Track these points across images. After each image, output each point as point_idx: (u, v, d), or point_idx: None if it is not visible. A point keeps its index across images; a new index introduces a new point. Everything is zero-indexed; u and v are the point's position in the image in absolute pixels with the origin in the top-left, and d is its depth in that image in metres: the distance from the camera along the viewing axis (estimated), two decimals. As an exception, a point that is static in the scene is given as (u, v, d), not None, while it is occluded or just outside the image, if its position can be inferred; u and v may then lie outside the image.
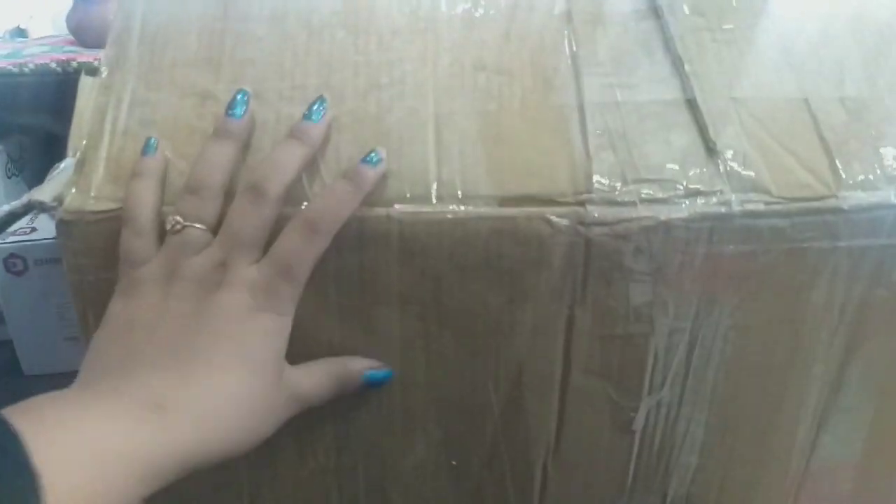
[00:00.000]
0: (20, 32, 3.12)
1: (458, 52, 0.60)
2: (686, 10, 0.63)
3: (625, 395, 0.61)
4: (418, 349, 0.56)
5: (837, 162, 0.59)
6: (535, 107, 0.58)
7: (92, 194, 0.52)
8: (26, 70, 0.94)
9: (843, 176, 0.58)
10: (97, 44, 1.04)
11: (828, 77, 0.62)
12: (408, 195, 0.54)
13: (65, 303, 0.82)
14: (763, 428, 0.65)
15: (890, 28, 0.67)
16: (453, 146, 0.56)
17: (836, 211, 0.57)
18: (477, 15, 0.62)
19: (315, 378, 0.52)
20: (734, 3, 0.65)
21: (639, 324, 0.57)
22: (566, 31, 0.62)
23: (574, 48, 0.61)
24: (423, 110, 0.57)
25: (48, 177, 0.70)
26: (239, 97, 0.54)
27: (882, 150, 0.60)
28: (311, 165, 0.54)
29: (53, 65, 0.95)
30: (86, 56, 0.98)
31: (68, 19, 1.12)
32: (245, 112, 0.54)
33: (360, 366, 0.55)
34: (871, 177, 0.59)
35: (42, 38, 1.20)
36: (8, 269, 0.79)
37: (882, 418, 0.67)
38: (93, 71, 0.56)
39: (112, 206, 0.51)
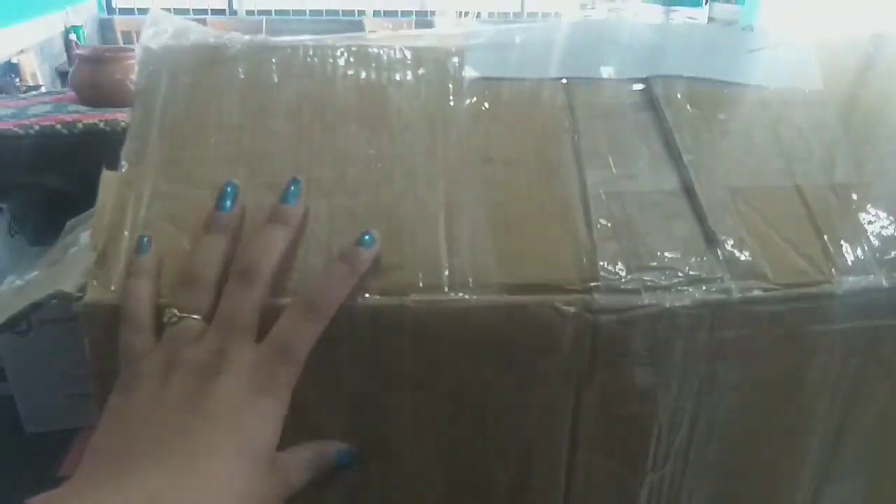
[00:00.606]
0: (11, 67, 3.15)
1: (466, 145, 0.63)
2: (682, 101, 0.67)
3: (630, 472, 0.62)
4: (430, 433, 0.57)
5: (830, 247, 0.61)
6: (541, 197, 0.61)
7: (112, 287, 0.53)
8: (32, 132, 0.96)
9: (837, 261, 0.61)
10: (100, 103, 1.07)
11: (818, 164, 0.65)
12: (421, 284, 0.56)
13: (68, 361, 0.82)
14: (762, 499, 0.67)
15: (875, 113, 0.71)
16: (464, 236, 0.58)
17: (831, 296, 0.60)
18: (483, 108, 0.65)
19: (301, 463, 0.53)
20: (727, 94, 0.68)
21: (643, 404, 0.59)
22: (568, 123, 0.65)
23: (577, 139, 0.64)
24: (434, 202, 0.59)
25: (60, 242, 0.72)
26: (228, 190, 0.56)
27: (872, 235, 0.63)
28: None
29: (59, 126, 0.97)
30: (90, 116, 0.99)
31: (72, 78, 1.15)
32: (234, 205, 0.56)
33: (333, 447, 0.56)
34: (862, 261, 0.61)
35: (43, 93, 1.22)
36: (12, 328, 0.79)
37: (876, 489, 0.69)
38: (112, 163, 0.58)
39: (134, 300, 0.53)
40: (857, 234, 0.62)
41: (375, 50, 0.68)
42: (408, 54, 0.68)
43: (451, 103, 0.65)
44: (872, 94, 0.72)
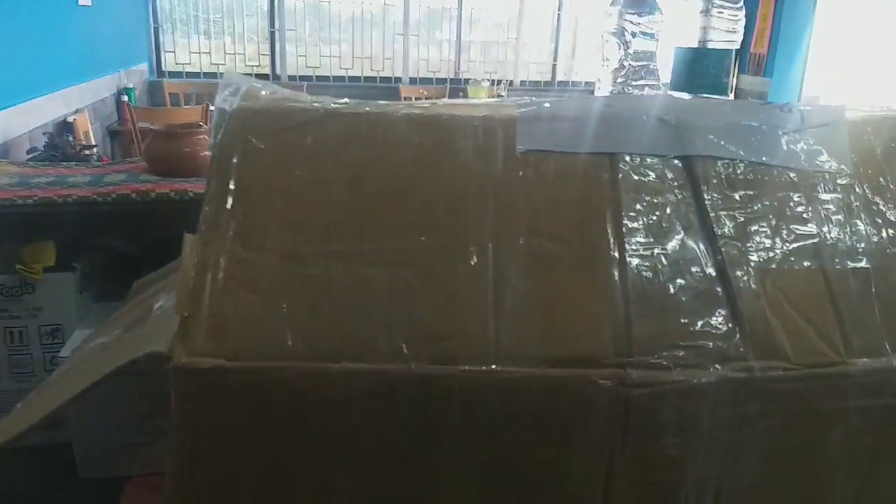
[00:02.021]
0: (67, 126, 3.23)
1: (515, 217, 0.68)
2: (719, 183, 0.71)
3: (657, 532, 0.67)
4: (471, 493, 0.63)
5: (848, 330, 0.66)
6: (582, 272, 0.66)
7: (197, 350, 0.59)
8: (109, 199, 1.03)
9: (853, 343, 0.66)
10: (170, 174, 1.14)
11: (843, 248, 0.70)
12: (469, 353, 0.61)
13: (124, 412, 0.87)
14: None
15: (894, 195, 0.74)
16: (510, 308, 0.63)
17: (846, 376, 0.65)
18: (531, 180, 0.70)
19: None
20: (761, 176, 0.73)
21: (672, 472, 0.64)
22: (611, 198, 0.70)
23: (618, 215, 0.69)
24: (484, 273, 0.65)
25: (132, 301, 0.78)
26: None
27: (886, 320, 0.67)
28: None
29: (133, 195, 1.04)
30: (162, 186, 1.07)
31: (146, 151, 1.21)
32: None
33: None
34: (876, 344, 0.66)
35: (116, 163, 1.30)
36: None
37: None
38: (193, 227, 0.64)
39: (214, 362, 0.58)
40: (872, 319, 0.67)
41: (433, 121, 0.72)
42: (463, 125, 0.72)
43: (501, 175, 0.70)
44: (892, 177, 0.76)
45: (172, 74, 5.30)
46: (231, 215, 0.66)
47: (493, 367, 0.61)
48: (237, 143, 0.69)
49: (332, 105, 0.73)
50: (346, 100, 0.75)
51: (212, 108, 2.00)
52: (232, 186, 0.67)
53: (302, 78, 5.47)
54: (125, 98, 4.20)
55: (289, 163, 0.69)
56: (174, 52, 5.36)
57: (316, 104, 0.73)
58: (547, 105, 0.75)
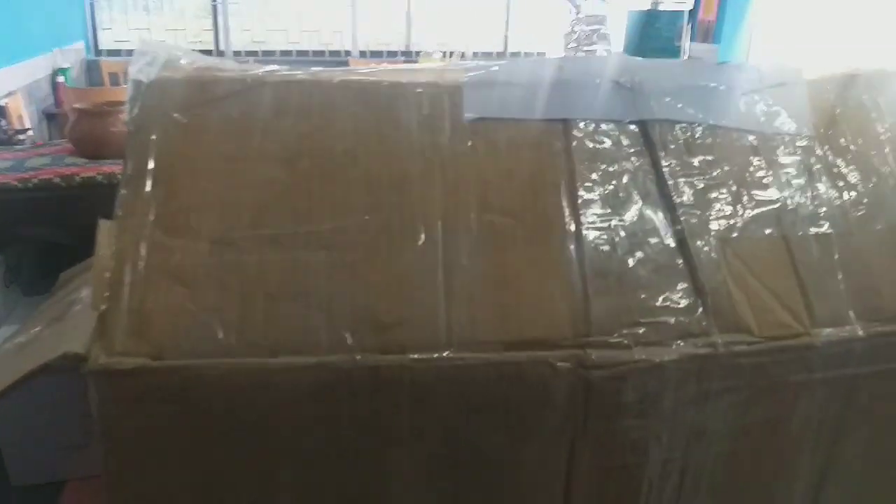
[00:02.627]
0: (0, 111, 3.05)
1: (464, 192, 0.63)
2: (677, 148, 0.67)
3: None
4: (426, 488, 0.59)
5: (812, 299, 0.64)
6: (537, 249, 0.62)
7: (117, 349, 0.53)
8: (30, 185, 0.95)
9: (817, 313, 0.63)
10: (98, 155, 1.06)
11: (804, 214, 0.67)
12: (420, 341, 0.57)
13: (58, 414, 0.81)
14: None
15: (869, 163, 0.72)
16: (461, 291, 0.59)
17: (810, 347, 0.62)
18: (481, 152, 0.65)
19: None
20: (720, 140, 0.69)
21: (635, 455, 0.61)
22: (565, 169, 0.65)
23: (573, 186, 0.65)
24: (433, 254, 0.60)
25: (56, 294, 0.71)
26: None
27: (849, 286, 0.65)
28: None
29: (57, 179, 0.96)
30: (88, 169, 0.99)
31: (70, 131, 1.12)
32: None
33: None
34: (840, 312, 0.64)
35: (40, 146, 1.21)
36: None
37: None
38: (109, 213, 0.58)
39: (137, 362, 0.53)
40: (835, 286, 0.65)
41: (373, 88, 0.67)
42: (406, 93, 0.67)
43: (449, 146, 0.65)
44: (852, 137, 0.73)
45: (111, 53, 5.07)
46: (151, 198, 0.60)
47: (446, 354, 0.57)
48: (155, 119, 0.63)
49: (260, 73, 0.67)
50: (274, 66, 0.69)
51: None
52: (151, 166, 0.61)
53: (248, 53, 5.31)
54: (60, 79, 3.99)
55: (214, 138, 0.63)
56: (111, 28, 5.11)
57: (243, 72, 0.67)
58: (495, 69, 0.70)
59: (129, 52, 0.65)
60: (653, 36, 4.23)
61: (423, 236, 0.61)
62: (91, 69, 4.90)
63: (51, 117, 4.00)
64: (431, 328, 0.57)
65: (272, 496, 0.58)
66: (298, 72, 0.68)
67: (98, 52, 5.07)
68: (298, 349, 0.55)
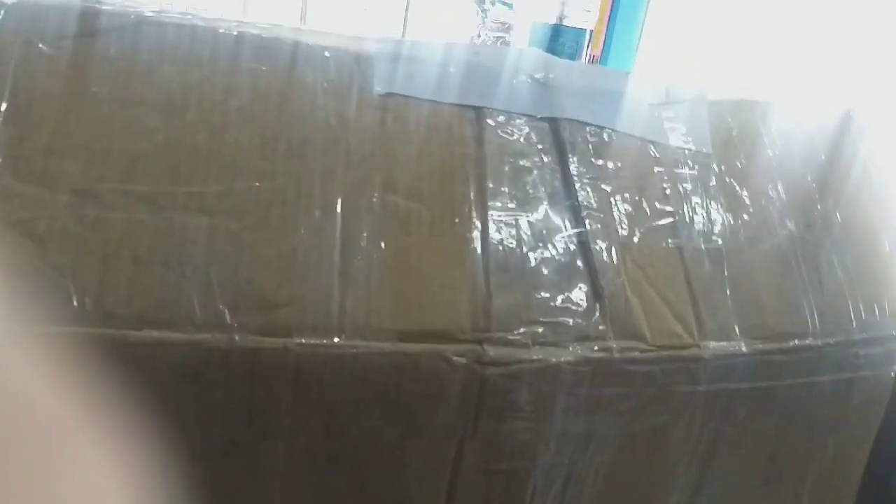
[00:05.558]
0: None
1: (369, 169, 0.59)
2: (586, 150, 0.66)
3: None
4: (304, 484, 0.54)
5: (702, 311, 0.65)
6: (441, 237, 0.58)
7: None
8: None
9: (705, 325, 0.64)
10: None
11: (699, 227, 0.68)
12: (308, 325, 0.52)
13: None
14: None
15: (760, 185, 0.74)
16: (359, 274, 0.54)
17: (698, 359, 0.63)
18: (390, 129, 0.61)
19: None
20: (627, 147, 0.69)
21: (522, 459, 0.59)
22: (475, 157, 0.63)
23: (482, 176, 0.62)
24: (331, 230, 0.55)
25: None
26: None
27: (736, 301, 0.67)
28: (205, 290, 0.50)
29: None
30: None
31: None
32: None
33: None
34: (726, 327, 0.65)
35: None
36: None
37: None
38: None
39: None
40: (724, 300, 0.66)
41: (279, 43, 0.61)
42: (311, 54, 0.62)
43: (357, 118, 0.60)
44: (746, 159, 0.76)
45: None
46: (2, 136, 0.50)
47: (336, 340, 0.52)
48: (16, 46, 0.54)
49: (148, 10, 0.59)
50: (163, 7, 0.61)
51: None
52: (5, 100, 0.51)
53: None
54: None
55: (85, 77, 0.54)
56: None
57: (126, 6, 0.58)
58: (409, 44, 0.66)
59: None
60: (556, 51, 4.32)
61: (319, 210, 0.55)
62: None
63: None
64: (323, 311, 0.52)
65: (120, 491, 0.51)
66: (193, 16, 0.61)
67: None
68: (167, 323, 0.49)
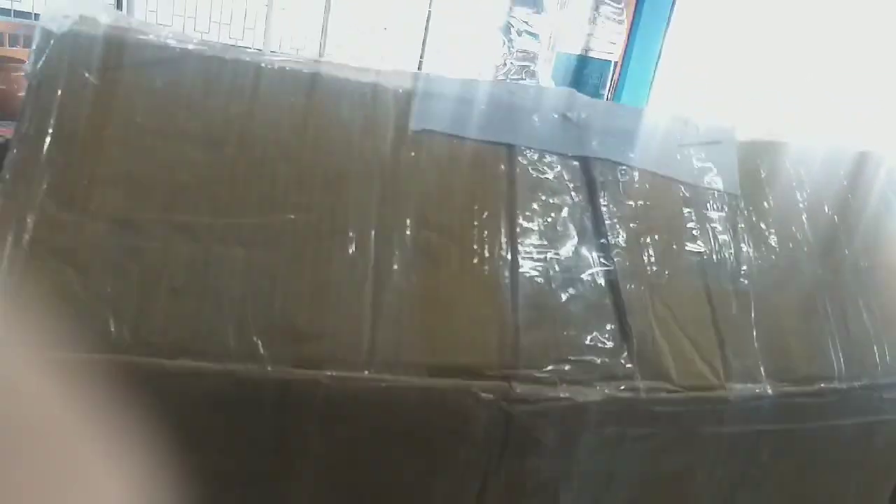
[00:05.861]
0: None
1: (403, 204, 0.59)
2: (617, 190, 0.67)
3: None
4: (329, 517, 0.54)
5: (728, 353, 0.64)
6: (472, 272, 0.59)
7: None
8: None
9: (732, 367, 0.64)
10: None
11: (727, 269, 0.68)
12: (339, 357, 0.52)
13: None
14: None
15: (788, 228, 0.73)
16: (390, 308, 0.55)
17: (723, 401, 0.63)
18: (424, 163, 0.62)
19: None
20: (657, 187, 0.69)
21: (545, 496, 0.59)
22: (508, 195, 0.63)
23: (513, 213, 0.62)
24: (363, 265, 0.56)
25: None
26: None
27: (763, 344, 0.66)
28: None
29: None
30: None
31: None
32: None
33: None
34: (752, 369, 0.65)
35: None
36: None
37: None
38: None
39: (6, 350, 0.45)
40: (750, 343, 0.66)
41: (318, 78, 0.62)
42: (350, 90, 0.63)
43: (392, 154, 0.61)
44: (774, 202, 0.76)
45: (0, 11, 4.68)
46: (47, 164, 0.52)
47: (365, 373, 0.52)
48: (63, 75, 0.55)
49: (192, 44, 0.60)
50: (207, 39, 0.63)
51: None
52: (52, 128, 0.53)
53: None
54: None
55: (130, 106, 0.56)
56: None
57: (171, 40, 0.60)
58: (444, 81, 0.67)
59: (20, 14, 0.56)
60: (581, 81, 4.33)
61: (353, 245, 0.56)
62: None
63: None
64: (353, 344, 0.53)
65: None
66: (235, 51, 0.62)
67: (-18, 9, 4.67)
68: (202, 353, 0.49)
